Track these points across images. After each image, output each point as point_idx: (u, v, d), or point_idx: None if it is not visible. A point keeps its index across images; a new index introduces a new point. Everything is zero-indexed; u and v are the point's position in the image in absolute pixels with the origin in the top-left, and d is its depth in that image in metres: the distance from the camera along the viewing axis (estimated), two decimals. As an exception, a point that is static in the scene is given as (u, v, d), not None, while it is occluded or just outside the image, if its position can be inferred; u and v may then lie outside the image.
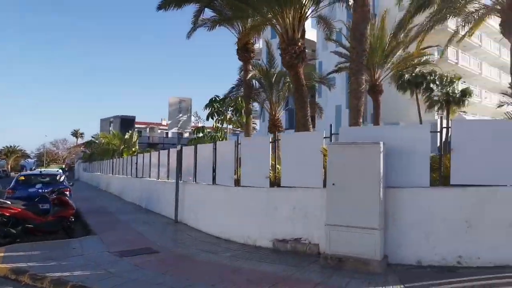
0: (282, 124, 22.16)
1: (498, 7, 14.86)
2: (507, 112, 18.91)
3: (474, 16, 17.01)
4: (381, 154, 6.33)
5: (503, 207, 6.06)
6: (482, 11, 16.49)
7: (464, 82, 31.00)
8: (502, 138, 6.20)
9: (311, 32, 33.32)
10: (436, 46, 22.46)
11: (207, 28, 17.02)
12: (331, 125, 7.80)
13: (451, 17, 16.72)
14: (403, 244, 6.44)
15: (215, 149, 10.07)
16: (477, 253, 6.05)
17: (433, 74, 27.33)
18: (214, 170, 9.97)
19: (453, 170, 6.41)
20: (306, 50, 11.14)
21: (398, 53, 22.55)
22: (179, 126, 28.39)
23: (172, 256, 7.54)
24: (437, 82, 27.82)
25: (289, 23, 10.04)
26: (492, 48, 36.66)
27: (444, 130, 7.15)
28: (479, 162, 6.28)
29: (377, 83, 22.07)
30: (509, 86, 16.69)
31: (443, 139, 7.47)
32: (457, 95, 26.49)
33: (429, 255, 6.30)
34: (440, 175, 6.64)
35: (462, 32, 18.00)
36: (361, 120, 9.47)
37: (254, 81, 20.57)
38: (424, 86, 28.03)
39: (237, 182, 9.00)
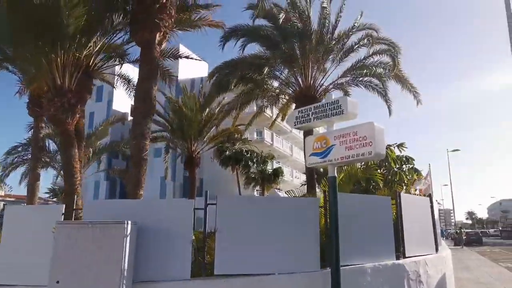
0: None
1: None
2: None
3: (281, 103, 18.58)
4: (128, 238, 4.78)
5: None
6: (285, 98, 18.01)
7: (279, 162, 33.81)
8: (266, 217, 5.48)
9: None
10: (247, 124, 23.59)
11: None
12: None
13: (254, 101, 17.51)
14: None
15: None
16: None
17: (251, 153, 28.84)
18: None
19: (218, 255, 5.29)
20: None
21: (218, 127, 22.91)
22: None
23: None
24: (254, 160, 29.31)
25: (56, 69, 8.24)
26: (300, 134, 41.85)
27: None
28: (246, 245, 5.34)
29: (194, 156, 21.62)
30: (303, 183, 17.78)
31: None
32: (270, 173, 28.30)
33: None
34: (203, 262, 5.42)
35: (275, 117, 19.33)
36: (141, 192, 7.97)
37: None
38: (243, 163, 29.13)
39: None
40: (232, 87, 14.11)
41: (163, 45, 9.25)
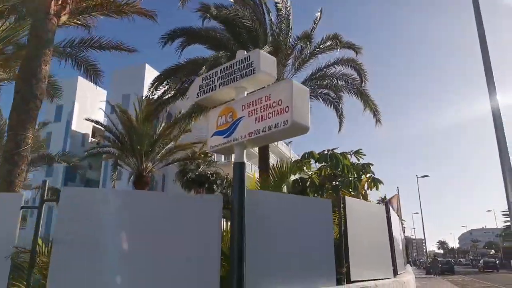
0: None
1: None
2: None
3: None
4: None
5: None
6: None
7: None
8: (141, 220, 3.76)
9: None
10: (201, 143, 21.90)
11: None
12: None
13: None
14: None
15: None
16: None
17: (215, 175, 27.59)
18: None
19: (51, 280, 3.51)
20: None
21: (176, 142, 21.15)
22: None
23: None
24: (218, 183, 28.00)
25: None
26: (284, 149, 40.31)
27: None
28: (92, 264, 3.60)
29: (144, 174, 19.61)
30: None
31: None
32: (233, 196, 26.77)
33: None
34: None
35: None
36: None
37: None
38: (206, 185, 27.80)
39: None
40: (168, 97, 12.54)
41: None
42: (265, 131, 3.48)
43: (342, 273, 4.74)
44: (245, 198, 3.63)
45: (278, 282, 4.05)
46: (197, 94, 4.24)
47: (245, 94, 3.91)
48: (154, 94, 14.10)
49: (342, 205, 5.04)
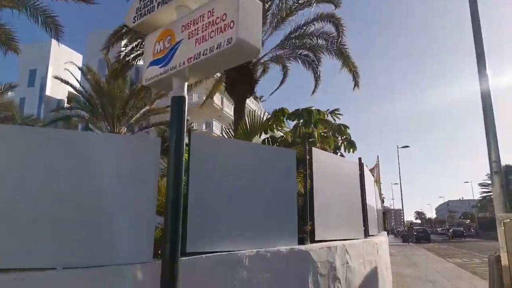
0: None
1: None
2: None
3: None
4: None
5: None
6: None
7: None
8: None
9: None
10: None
11: None
12: None
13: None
14: None
15: None
16: None
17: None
18: None
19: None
20: None
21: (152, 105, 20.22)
22: None
23: None
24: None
25: None
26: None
27: None
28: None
29: (117, 138, 18.75)
30: None
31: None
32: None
33: None
34: None
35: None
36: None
37: None
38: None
39: None
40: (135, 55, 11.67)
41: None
42: (206, 54, 2.79)
43: (306, 232, 4.20)
44: (184, 139, 2.99)
45: (227, 241, 3.48)
46: (133, 19, 3.48)
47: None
48: (119, 54, 13.22)
49: (308, 158, 4.46)
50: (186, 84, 3.13)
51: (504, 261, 4.34)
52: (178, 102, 3.04)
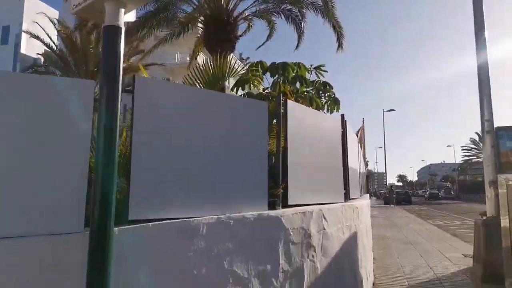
0: None
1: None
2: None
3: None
4: None
5: None
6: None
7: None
8: None
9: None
10: (160, 64, 20.06)
11: None
12: None
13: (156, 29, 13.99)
14: None
15: None
16: None
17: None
18: None
19: None
20: None
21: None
22: None
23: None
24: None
25: None
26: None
27: None
28: None
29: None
30: None
31: None
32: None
33: None
34: None
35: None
36: None
37: None
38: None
39: None
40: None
41: None
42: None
43: (277, 196, 3.70)
44: (120, 80, 2.36)
45: (182, 207, 2.95)
46: None
47: None
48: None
49: (283, 111, 3.87)
50: (122, 10, 2.46)
51: (505, 224, 3.98)
52: (112, 34, 2.38)
